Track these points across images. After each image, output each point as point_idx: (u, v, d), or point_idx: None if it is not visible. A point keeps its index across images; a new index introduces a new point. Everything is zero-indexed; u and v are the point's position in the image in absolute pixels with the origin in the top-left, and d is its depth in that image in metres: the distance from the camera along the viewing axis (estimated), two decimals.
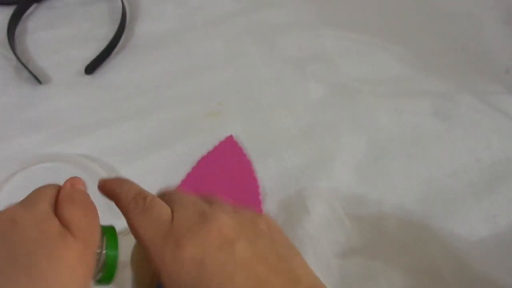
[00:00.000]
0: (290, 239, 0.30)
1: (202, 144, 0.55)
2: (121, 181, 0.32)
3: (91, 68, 0.60)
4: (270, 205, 0.50)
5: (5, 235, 0.27)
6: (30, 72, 0.59)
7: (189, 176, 0.52)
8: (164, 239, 0.27)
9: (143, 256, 0.32)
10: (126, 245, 0.33)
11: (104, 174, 0.51)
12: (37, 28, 0.66)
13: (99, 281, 0.29)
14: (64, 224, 0.28)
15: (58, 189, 0.31)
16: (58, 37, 0.64)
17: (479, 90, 0.57)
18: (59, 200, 0.30)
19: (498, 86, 0.58)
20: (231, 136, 0.54)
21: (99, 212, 0.46)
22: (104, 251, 0.29)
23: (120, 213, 0.50)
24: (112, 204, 0.52)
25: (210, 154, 0.53)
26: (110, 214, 0.49)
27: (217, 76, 0.60)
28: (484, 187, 0.50)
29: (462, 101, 0.57)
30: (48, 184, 0.31)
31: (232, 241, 0.27)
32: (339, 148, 0.53)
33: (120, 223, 0.52)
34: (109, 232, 0.30)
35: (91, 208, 0.31)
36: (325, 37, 0.63)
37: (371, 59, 0.61)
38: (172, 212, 0.29)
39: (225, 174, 0.52)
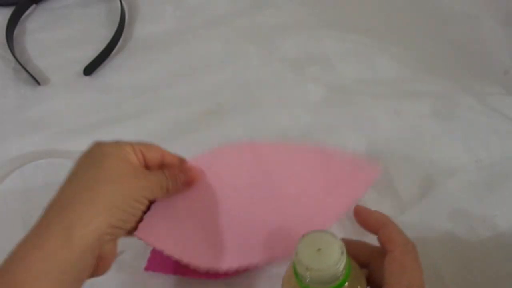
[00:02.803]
0: None
1: (201, 145, 0.54)
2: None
3: (90, 69, 0.60)
4: None
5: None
6: (28, 73, 0.59)
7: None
8: None
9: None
10: None
11: None
12: (36, 29, 0.66)
13: None
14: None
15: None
16: (56, 38, 0.64)
17: (478, 91, 0.57)
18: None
19: (497, 87, 0.58)
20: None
21: None
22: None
23: None
24: None
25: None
26: None
27: (216, 77, 0.60)
28: (483, 188, 0.50)
29: (461, 102, 0.57)
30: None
31: None
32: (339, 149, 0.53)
33: None
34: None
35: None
36: (324, 38, 0.63)
37: (370, 60, 0.61)
38: None
39: None
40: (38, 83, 0.59)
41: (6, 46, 0.61)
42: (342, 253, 0.31)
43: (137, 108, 0.57)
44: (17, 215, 0.50)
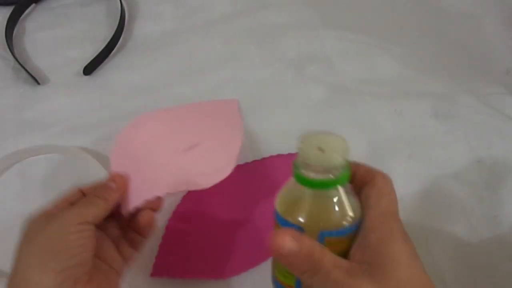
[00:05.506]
0: None
1: None
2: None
3: (90, 68, 0.60)
4: None
5: None
6: (28, 72, 0.59)
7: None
8: None
9: None
10: None
11: (98, 165, 0.51)
12: (35, 29, 0.65)
13: None
14: None
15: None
16: (56, 38, 0.64)
17: (480, 91, 0.57)
18: None
19: (498, 87, 0.58)
20: None
21: None
22: None
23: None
24: None
25: None
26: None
27: (216, 77, 0.60)
28: (485, 188, 0.50)
29: (462, 102, 0.56)
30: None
31: None
32: None
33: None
34: None
35: None
36: (324, 38, 0.63)
37: (371, 60, 0.61)
38: None
39: None
40: (38, 83, 0.59)
41: (6, 45, 0.61)
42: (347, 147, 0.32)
43: (137, 108, 0.57)
44: (15, 213, 0.50)
